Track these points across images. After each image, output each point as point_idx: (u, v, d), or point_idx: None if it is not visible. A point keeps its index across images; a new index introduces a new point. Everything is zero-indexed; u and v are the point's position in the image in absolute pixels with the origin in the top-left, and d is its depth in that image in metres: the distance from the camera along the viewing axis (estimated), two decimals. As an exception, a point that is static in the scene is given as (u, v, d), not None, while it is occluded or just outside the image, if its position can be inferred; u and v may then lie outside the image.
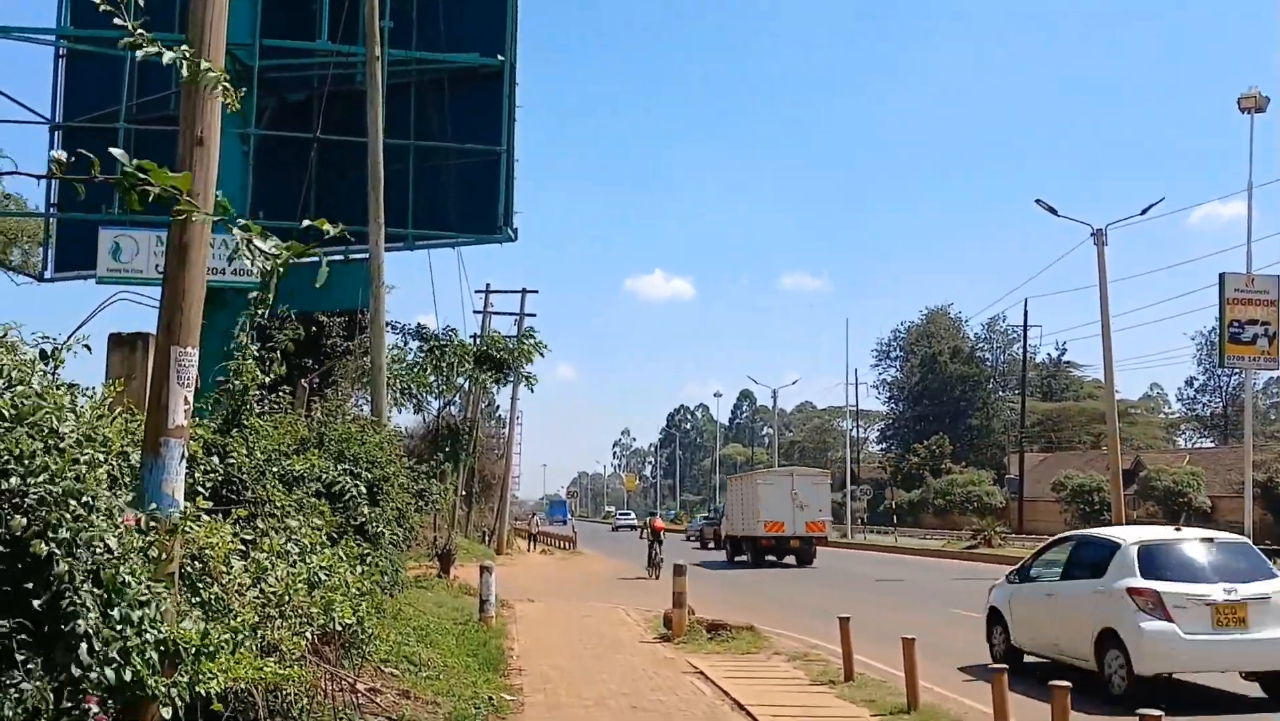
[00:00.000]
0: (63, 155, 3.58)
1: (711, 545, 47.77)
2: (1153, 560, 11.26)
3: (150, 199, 3.57)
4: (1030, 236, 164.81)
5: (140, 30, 3.79)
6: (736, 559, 39.69)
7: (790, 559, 37.37)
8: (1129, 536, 12.05)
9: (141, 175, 3.48)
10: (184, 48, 4.04)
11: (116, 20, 3.78)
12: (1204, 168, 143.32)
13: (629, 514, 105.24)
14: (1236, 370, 55.23)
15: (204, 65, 4.45)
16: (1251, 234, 32.64)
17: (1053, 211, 35.29)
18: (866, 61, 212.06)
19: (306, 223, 3.91)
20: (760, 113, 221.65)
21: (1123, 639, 10.85)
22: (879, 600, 22.60)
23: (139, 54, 3.83)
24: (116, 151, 3.61)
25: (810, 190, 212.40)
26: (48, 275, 23.86)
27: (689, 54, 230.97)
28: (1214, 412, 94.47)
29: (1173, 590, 10.80)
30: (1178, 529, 13.45)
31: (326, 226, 3.79)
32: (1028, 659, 12.97)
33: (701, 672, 12.27)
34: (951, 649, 14.34)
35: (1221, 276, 31.68)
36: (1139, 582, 10.96)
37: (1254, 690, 11.49)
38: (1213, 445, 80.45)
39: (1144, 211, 35.26)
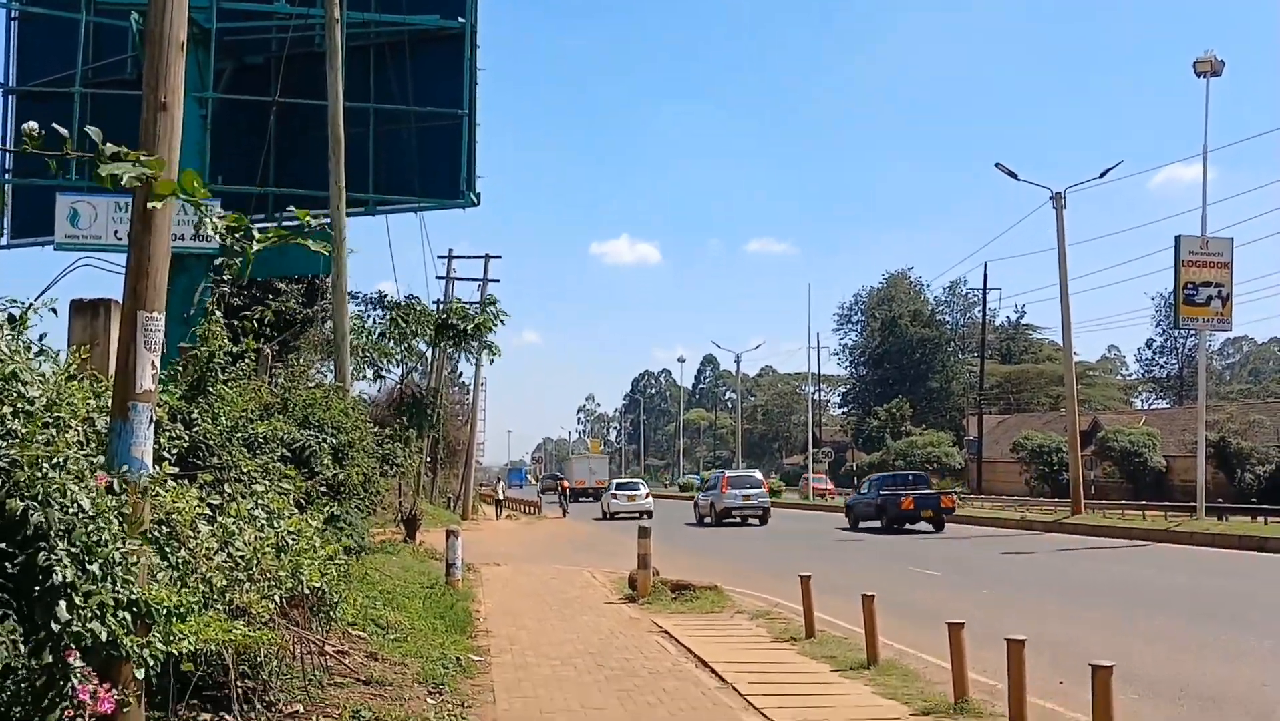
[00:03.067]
0: (34, 126, 3.59)
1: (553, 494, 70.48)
2: None
3: (124, 181, 3.60)
4: (991, 200, 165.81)
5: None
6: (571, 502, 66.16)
7: (590, 500, 66.27)
8: None
9: (114, 159, 3.50)
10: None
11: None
12: (1167, 130, 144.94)
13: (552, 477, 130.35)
14: (1192, 331, 56.21)
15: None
16: (1207, 196, 33.21)
17: (1013, 175, 35.65)
18: (833, 28, 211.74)
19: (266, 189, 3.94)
20: (728, 78, 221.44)
21: None
22: (840, 557, 22.91)
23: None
24: (91, 130, 3.62)
25: (777, 155, 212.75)
26: (3, 242, 23.52)
27: (657, 17, 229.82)
28: (1170, 374, 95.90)
29: None
30: None
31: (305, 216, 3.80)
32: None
33: (666, 631, 12.44)
34: (911, 605, 14.62)
35: (1177, 239, 32.08)
36: None
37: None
38: (1169, 406, 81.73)
39: (1102, 175, 35.86)
